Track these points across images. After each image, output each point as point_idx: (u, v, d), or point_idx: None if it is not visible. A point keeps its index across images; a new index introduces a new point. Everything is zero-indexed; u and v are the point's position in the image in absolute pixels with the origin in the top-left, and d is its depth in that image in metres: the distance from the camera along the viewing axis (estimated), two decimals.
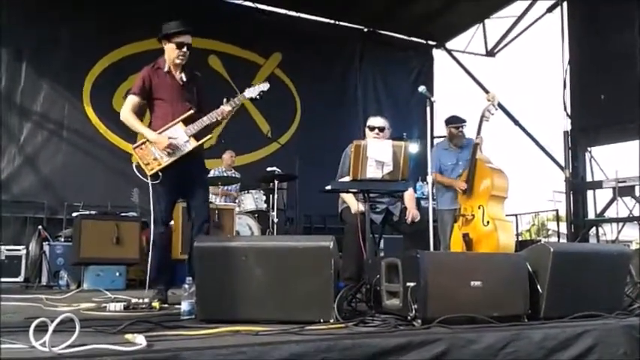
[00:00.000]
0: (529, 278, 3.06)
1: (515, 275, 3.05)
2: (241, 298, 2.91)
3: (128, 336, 2.25)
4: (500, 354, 2.55)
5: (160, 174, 4.01)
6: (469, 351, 2.50)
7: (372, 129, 4.74)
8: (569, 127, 9.12)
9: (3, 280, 6.12)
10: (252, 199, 7.30)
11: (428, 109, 4.55)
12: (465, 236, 4.95)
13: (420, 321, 2.75)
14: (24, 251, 6.70)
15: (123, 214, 6.44)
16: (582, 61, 8.91)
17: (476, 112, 5.32)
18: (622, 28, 8.10)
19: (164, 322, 2.74)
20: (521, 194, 11.32)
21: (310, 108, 9.91)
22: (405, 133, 7.31)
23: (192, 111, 4.10)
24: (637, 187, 7.82)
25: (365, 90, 10.69)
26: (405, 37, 11.25)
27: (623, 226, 8.16)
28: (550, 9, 9.74)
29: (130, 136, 4.27)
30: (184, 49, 4.10)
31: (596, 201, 8.71)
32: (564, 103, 9.14)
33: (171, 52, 4.11)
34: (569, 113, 9.10)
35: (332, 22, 10.52)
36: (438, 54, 11.60)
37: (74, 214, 6.45)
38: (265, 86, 4.34)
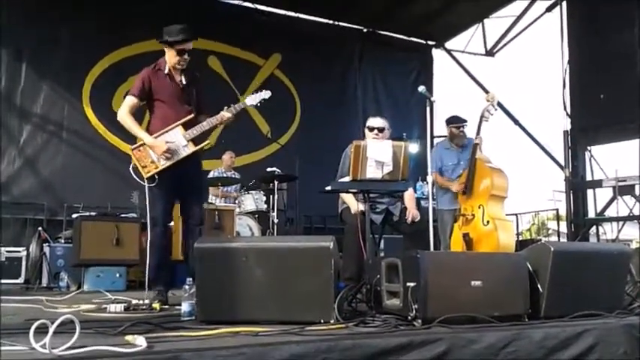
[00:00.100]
0: (529, 278, 3.06)
1: (515, 275, 3.05)
2: (241, 299, 2.90)
3: (128, 337, 2.24)
4: (501, 353, 2.55)
5: (157, 177, 4.01)
6: (470, 351, 2.50)
7: (371, 129, 4.74)
8: (568, 127, 9.12)
9: (3, 281, 6.12)
10: (253, 200, 7.30)
11: (427, 109, 4.55)
12: (465, 236, 4.95)
13: (420, 321, 2.74)
14: (24, 253, 6.71)
15: (123, 216, 6.44)
16: (582, 61, 8.91)
17: (475, 111, 5.32)
18: (621, 27, 8.10)
19: (164, 324, 2.74)
20: (522, 194, 11.31)
21: (310, 108, 9.92)
22: (404, 133, 7.32)
23: (192, 115, 4.10)
24: (637, 186, 7.81)
25: (364, 90, 10.69)
26: (405, 37, 11.25)
27: (623, 225, 8.16)
28: (549, 8, 9.73)
29: (130, 137, 4.26)
30: (185, 56, 4.10)
31: (596, 200, 8.71)
32: (564, 103, 9.14)
33: (172, 58, 4.11)
34: (569, 112, 9.10)
35: (331, 22, 10.52)
36: (437, 54, 11.62)
37: (74, 216, 6.46)
38: (267, 94, 4.35)
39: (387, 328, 2.71)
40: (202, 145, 4.15)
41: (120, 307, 3.52)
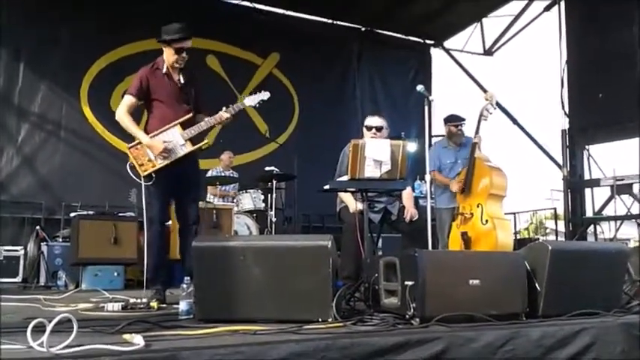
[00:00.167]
0: (527, 276, 3.06)
1: (513, 273, 3.05)
2: (240, 298, 2.90)
3: (126, 336, 2.24)
4: (499, 352, 2.55)
5: (154, 175, 4.01)
6: (467, 349, 2.50)
7: (369, 129, 4.74)
8: (567, 126, 9.12)
9: (1, 280, 6.12)
10: (251, 199, 7.30)
11: (426, 108, 4.55)
12: (464, 235, 4.96)
13: (418, 319, 2.74)
14: (22, 252, 6.70)
15: (121, 214, 6.44)
16: (580, 60, 8.91)
17: (474, 111, 5.33)
18: (620, 26, 8.10)
19: (162, 322, 2.73)
20: (520, 193, 11.34)
21: (308, 107, 9.92)
22: (403, 133, 7.31)
23: (190, 114, 4.10)
24: (635, 185, 7.82)
25: (363, 89, 10.69)
26: (403, 37, 11.25)
27: (621, 224, 8.17)
28: (547, 8, 9.74)
29: (128, 136, 4.26)
30: (183, 54, 4.10)
31: (594, 199, 8.70)
32: (562, 102, 9.14)
33: (170, 56, 4.11)
34: (567, 112, 9.10)
35: (330, 21, 10.52)
36: (435, 53, 11.62)
37: (72, 215, 6.45)
38: (265, 95, 4.36)
39: (385, 326, 2.71)
40: (200, 144, 4.15)
41: (118, 305, 3.52)
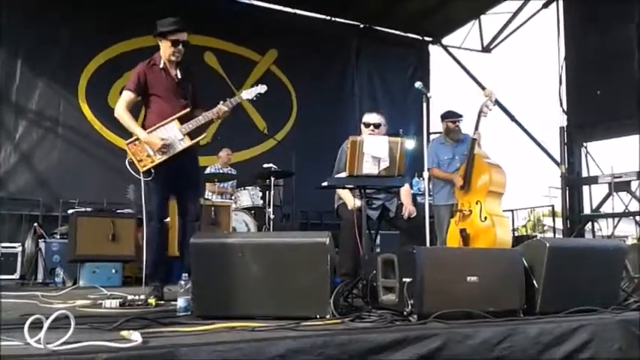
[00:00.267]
0: (525, 273, 3.06)
1: (511, 270, 3.05)
2: (238, 295, 2.90)
3: (124, 333, 2.23)
4: (497, 349, 2.56)
5: (153, 171, 4.01)
6: (465, 346, 2.50)
7: (367, 125, 4.74)
8: (564, 123, 9.12)
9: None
10: (249, 196, 7.30)
11: (424, 104, 4.55)
12: (462, 232, 4.96)
13: (416, 316, 2.75)
14: (20, 248, 6.70)
15: (119, 211, 6.42)
16: (578, 57, 8.91)
17: (472, 107, 5.34)
18: (618, 23, 8.09)
19: (160, 319, 2.73)
20: (517, 190, 11.35)
21: (306, 104, 9.91)
22: (401, 129, 7.32)
23: (188, 109, 4.10)
24: (633, 183, 7.83)
25: (361, 86, 10.68)
26: (402, 34, 11.22)
27: (618, 221, 8.18)
28: (546, 5, 9.74)
29: (126, 132, 4.25)
30: (179, 47, 4.09)
31: (592, 196, 8.72)
32: (560, 99, 9.14)
33: (166, 49, 4.11)
34: (565, 109, 9.11)
35: (328, 18, 10.49)
36: (434, 50, 11.60)
37: (70, 211, 6.44)
38: (262, 88, 4.34)
39: (382, 323, 2.71)
40: (199, 138, 4.15)
41: (115, 302, 3.51)
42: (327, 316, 2.82)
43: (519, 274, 3.05)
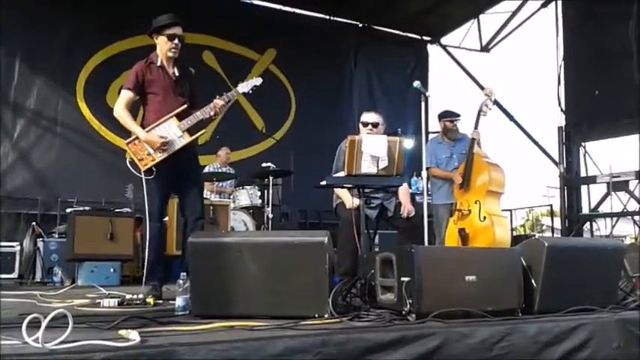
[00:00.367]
0: (523, 272, 3.07)
1: (509, 269, 3.05)
2: (236, 294, 2.90)
3: (122, 332, 2.23)
4: (495, 348, 2.56)
5: (154, 169, 4.00)
6: (463, 345, 2.50)
7: (365, 125, 4.73)
8: (563, 123, 9.14)
9: None
10: (247, 195, 7.29)
11: (422, 104, 4.54)
12: (461, 231, 4.96)
13: (414, 315, 2.75)
14: (18, 247, 6.70)
15: (117, 210, 6.42)
16: (577, 57, 8.93)
17: (470, 107, 5.34)
18: (617, 23, 8.11)
19: (158, 318, 2.72)
20: (516, 189, 11.37)
21: (305, 104, 9.90)
22: (399, 129, 7.30)
23: (186, 105, 4.09)
24: (631, 182, 7.84)
25: (360, 85, 10.68)
26: (400, 33, 11.23)
27: (617, 220, 8.20)
28: (544, 4, 9.75)
29: (124, 131, 4.25)
30: (176, 41, 4.09)
31: (590, 196, 8.74)
32: (559, 99, 9.16)
33: (163, 45, 4.10)
34: (564, 109, 9.12)
35: (327, 17, 10.50)
36: (432, 49, 11.61)
37: (68, 210, 6.44)
38: (258, 81, 4.34)
39: (381, 322, 2.71)
40: (198, 134, 4.14)
41: (114, 301, 3.51)
42: (326, 316, 2.82)
43: (518, 273, 3.05)
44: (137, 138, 4.04)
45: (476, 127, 5.27)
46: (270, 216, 6.81)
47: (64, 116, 8.28)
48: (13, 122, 7.96)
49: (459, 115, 5.93)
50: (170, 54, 4.11)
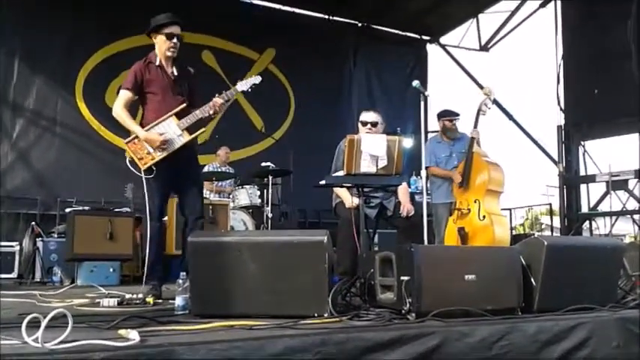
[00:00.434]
0: (523, 271, 3.07)
1: (509, 268, 3.05)
2: (235, 293, 2.90)
3: (121, 331, 2.23)
4: (495, 347, 2.56)
5: (154, 168, 4.00)
6: (463, 344, 2.50)
7: (364, 124, 4.73)
8: (562, 122, 9.15)
9: None
10: (247, 195, 7.29)
11: (422, 103, 4.54)
12: (461, 230, 4.96)
13: (414, 314, 2.75)
14: (17, 247, 6.69)
15: (116, 210, 6.42)
16: (576, 56, 8.93)
17: (470, 106, 5.34)
18: (616, 22, 8.11)
19: (158, 318, 2.72)
20: (515, 188, 11.36)
21: (304, 103, 9.90)
22: (398, 128, 7.32)
23: (185, 104, 4.09)
24: (630, 181, 7.85)
25: (359, 85, 10.68)
26: (400, 32, 11.23)
27: (616, 219, 8.20)
28: (543, 4, 9.75)
29: (123, 131, 4.25)
30: (174, 40, 4.09)
31: (590, 195, 8.74)
32: (558, 98, 9.16)
33: (161, 44, 4.10)
34: (563, 108, 9.12)
35: (326, 17, 10.49)
36: (432, 49, 11.61)
37: (67, 210, 6.44)
38: (257, 79, 4.34)
39: (380, 321, 2.71)
40: (198, 132, 4.14)
41: (113, 301, 3.51)
42: (325, 315, 2.82)
43: (517, 272, 3.05)
44: (136, 137, 4.03)
45: (475, 127, 5.27)
46: (270, 215, 6.81)
47: (64, 116, 8.28)
48: (13, 122, 7.96)
49: (458, 115, 5.93)
50: (169, 53, 4.11)
